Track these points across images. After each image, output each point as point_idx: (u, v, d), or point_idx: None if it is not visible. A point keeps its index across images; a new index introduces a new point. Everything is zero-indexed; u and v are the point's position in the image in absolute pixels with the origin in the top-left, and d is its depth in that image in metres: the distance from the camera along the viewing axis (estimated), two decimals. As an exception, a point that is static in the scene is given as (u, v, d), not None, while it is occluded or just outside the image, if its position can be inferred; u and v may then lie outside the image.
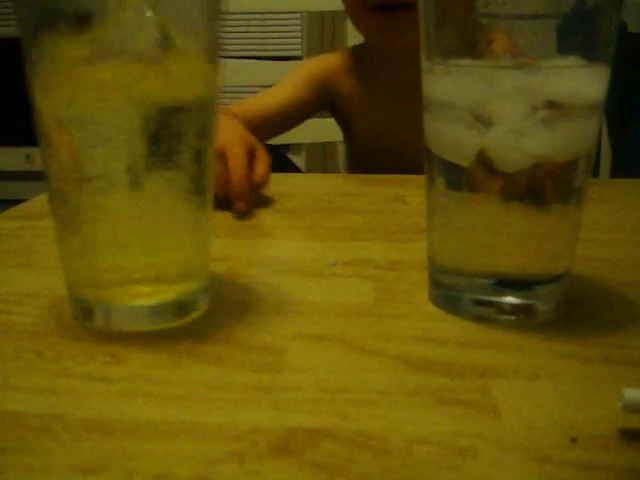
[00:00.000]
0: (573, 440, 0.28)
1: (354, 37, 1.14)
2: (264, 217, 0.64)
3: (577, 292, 0.43)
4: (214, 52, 0.38)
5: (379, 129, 1.02)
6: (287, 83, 1.05)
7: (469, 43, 0.38)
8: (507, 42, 0.37)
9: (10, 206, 0.66)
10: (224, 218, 0.62)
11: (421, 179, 0.43)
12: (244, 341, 0.37)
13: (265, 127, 0.99)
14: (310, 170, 2.74)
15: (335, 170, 1.43)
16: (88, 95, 0.36)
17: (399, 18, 0.88)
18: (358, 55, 1.04)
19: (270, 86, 1.08)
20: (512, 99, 0.36)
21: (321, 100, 1.05)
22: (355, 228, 0.59)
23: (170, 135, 0.36)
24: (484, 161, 0.37)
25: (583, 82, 0.37)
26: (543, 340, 0.37)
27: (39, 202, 0.68)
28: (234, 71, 1.28)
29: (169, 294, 0.39)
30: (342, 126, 1.09)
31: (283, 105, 1.03)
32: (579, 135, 0.37)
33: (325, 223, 0.60)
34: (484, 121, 0.37)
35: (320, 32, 2.80)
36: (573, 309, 0.41)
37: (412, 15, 0.85)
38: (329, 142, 1.39)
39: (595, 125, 0.38)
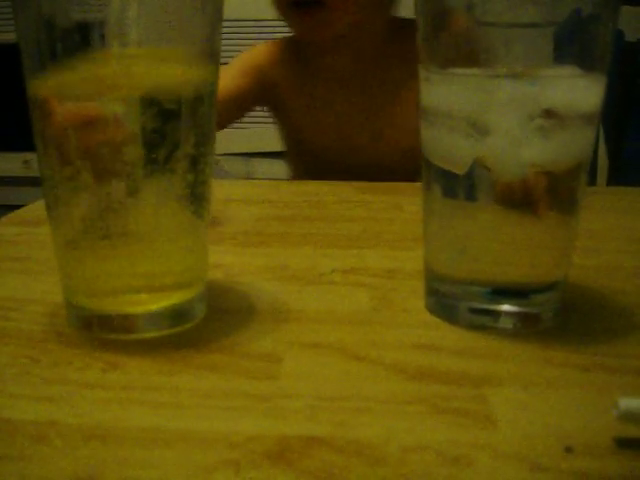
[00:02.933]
0: (568, 449, 0.28)
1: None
2: (260, 224, 0.64)
3: (573, 300, 0.43)
4: (213, 58, 0.38)
5: (313, 122, 0.99)
6: (223, 76, 0.97)
7: (466, 52, 0.38)
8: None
9: (7, 212, 0.66)
10: (220, 225, 0.62)
11: (418, 187, 0.43)
12: (240, 349, 0.37)
13: None
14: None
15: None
16: (86, 102, 0.36)
17: (313, 16, 0.89)
18: (294, 44, 1.02)
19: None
20: (509, 108, 0.36)
21: (259, 90, 1.01)
22: (352, 236, 0.59)
23: (167, 142, 0.36)
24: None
25: (580, 91, 0.37)
26: (539, 348, 0.37)
27: (36, 208, 0.68)
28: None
29: (165, 302, 0.39)
30: (279, 121, 1.06)
31: (222, 99, 0.96)
32: (576, 144, 0.37)
33: (321, 230, 0.61)
34: (481, 130, 0.37)
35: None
36: (569, 317, 0.41)
37: (327, 13, 0.88)
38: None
39: (592, 134, 0.38)
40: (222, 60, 0.39)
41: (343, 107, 0.98)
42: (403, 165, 0.86)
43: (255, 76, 1.00)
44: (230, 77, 0.99)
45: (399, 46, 0.95)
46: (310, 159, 1.02)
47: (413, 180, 0.91)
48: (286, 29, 0.98)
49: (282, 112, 1.03)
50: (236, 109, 1.02)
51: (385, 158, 0.97)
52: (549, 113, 0.36)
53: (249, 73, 1.00)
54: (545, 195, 0.38)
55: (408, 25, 1.02)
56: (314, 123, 1.00)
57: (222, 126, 0.98)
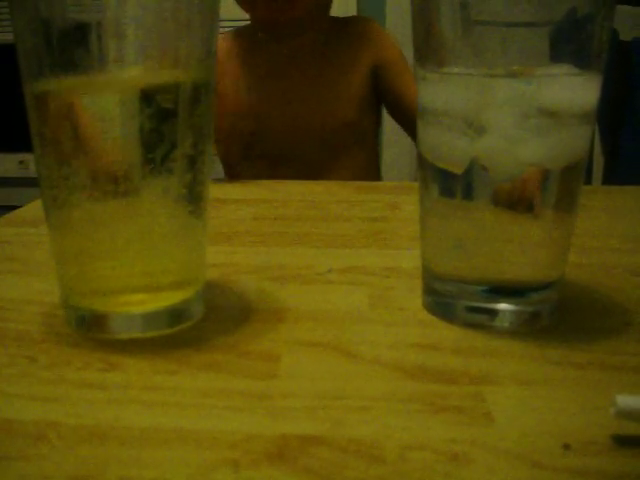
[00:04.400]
0: (566, 446, 0.28)
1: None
2: (257, 224, 0.64)
3: (570, 299, 0.43)
4: (210, 57, 0.38)
5: (257, 105, 1.07)
6: None
7: (462, 51, 0.38)
8: None
9: (3, 212, 0.66)
10: (218, 225, 0.62)
11: (415, 186, 0.43)
12: (238, 348, 0.37)
13: None
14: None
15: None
16: (83, 102, 0.36)
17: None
18: (242, 35, 1.12)
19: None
20: (505, 107, 0.36)
21: None
22: (349, 235, 0.59)
23: (164, 142, 0.36)
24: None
25: (576, 90, 0.37)
26: (536, 347, 0.37)
27: (33, 209, 0.68)
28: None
29: (163, 302, 0.39)
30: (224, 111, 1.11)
31: None
32: (572, 143, 0.37)
33: (319, 230, 0.61)
34: (477, 129, 0.37)
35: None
36: (566, 316, 0.41)
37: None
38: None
39: (588, 133, 0.38)
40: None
41: (285, 88, 1.06)
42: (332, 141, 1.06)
43: None
44: None
45: (333, 39, 1.08)
46: (251, 145, 1.08)
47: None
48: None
49: (228, 100, 1.08)
50: None
51: (317, 136, 1.08)
52: (545, 112, 0.36)
53: None
54: (541, 194, 0.38)
55: (339, 22, 1.12)
56: (262, 105, 1.07)
57: None
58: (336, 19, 1.13)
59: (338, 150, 1.08)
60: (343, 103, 1.07)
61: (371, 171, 1.13)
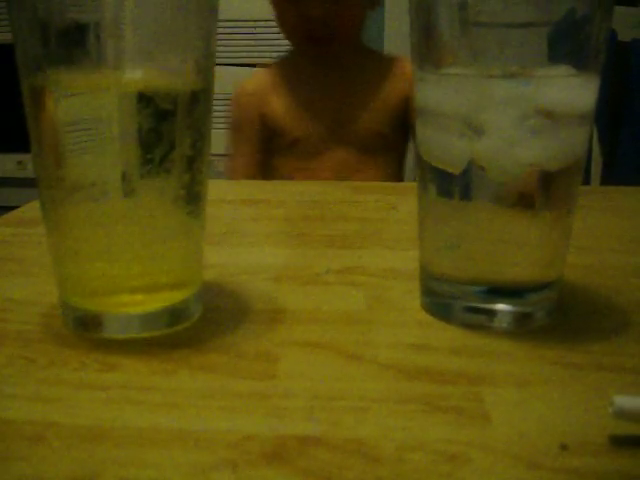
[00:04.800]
0: (564, 447, 0.28)
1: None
2: (255, 224, 0.64)
3: (568, 299, 0.43)
4: (209, 58, 0.38)
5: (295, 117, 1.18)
6: (235, 148, 1.22)
7: (460, 52, 0.38)
8: None
9: (1, 213, 0.66)
10: (216, 225, 0.62)
11: (413, 187, 0.43)
12: (236, 348, 0.37)
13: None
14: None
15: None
16: (81, 102, 0.36)
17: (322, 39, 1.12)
18: (284, 64, 1.24)
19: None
20: (503, 108, 0.36)
21: (261, 118, 1.19)
22: (347, 235, 0.59)
23: (163, 142, 0.36)
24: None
25: (574, 91, 0.37)
26: (534, 347, 0.37)
27: (31, 209, 0.68)
28: (225, 78, 1.28)
29: (161, 302, 0.39)
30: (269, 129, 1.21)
31: (252, 168, 1.20)
32: (570, 143, 0.37)
33: (317, 230, 0.61)
34: (475, 130, 0.37)
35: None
36: (564, 316, 0.41)
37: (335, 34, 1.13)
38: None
39: (586, 133, 0.38)
40: (219, 60, 0.39)
41: (325, 104, 1.18)
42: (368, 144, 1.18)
43: (254, 120, 1.19)
44: (241, 142, 1.21)
45: (362, 61, 1.21)
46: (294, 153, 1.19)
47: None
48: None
49: (271, 119, 1.20)
50: (265, 155, 1.20)
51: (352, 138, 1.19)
52: (543, 112, 0.36)
53: (247, 122, 1.20)
54: (540, 194, 0.38)
55: (382, 58, 1.25)
56: (301, 118, 1.18)
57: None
58: (380, 55, 1.29)
59: (368, 156, 1.19)
60: (376, 119, 1.18)
61: (396, 176, 1.23)
